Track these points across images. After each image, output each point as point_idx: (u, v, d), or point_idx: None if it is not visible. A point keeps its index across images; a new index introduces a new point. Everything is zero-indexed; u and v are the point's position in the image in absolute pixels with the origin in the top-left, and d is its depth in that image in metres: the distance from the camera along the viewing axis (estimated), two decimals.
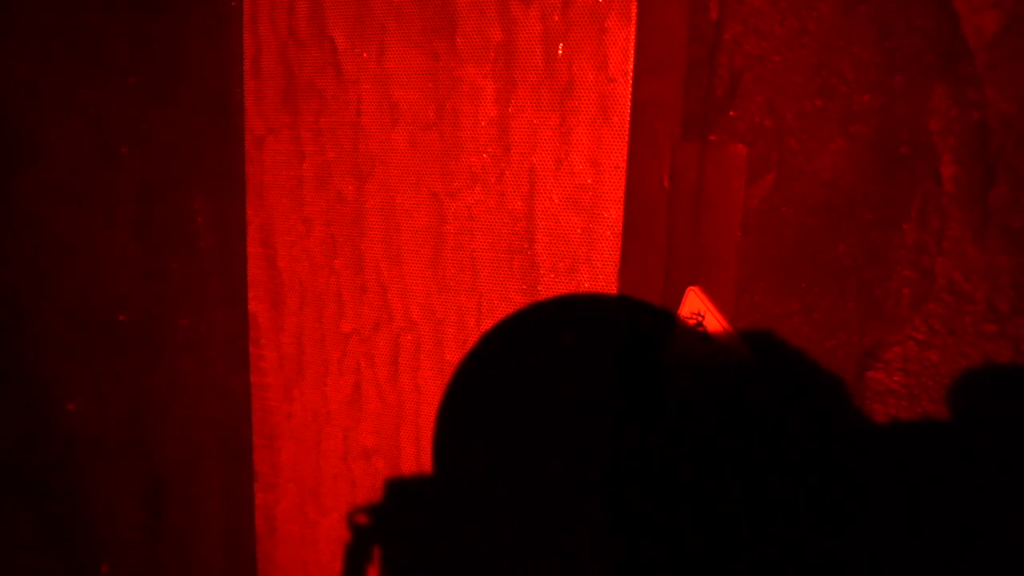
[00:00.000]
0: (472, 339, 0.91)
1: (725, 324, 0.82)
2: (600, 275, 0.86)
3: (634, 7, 0.81)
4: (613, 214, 0.85)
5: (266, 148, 0.94)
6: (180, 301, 1.02)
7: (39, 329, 1.07)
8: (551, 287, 0.87)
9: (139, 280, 1.03)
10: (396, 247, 0.91)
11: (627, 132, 0.83)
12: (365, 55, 0.89)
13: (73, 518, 1.12)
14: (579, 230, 0.86)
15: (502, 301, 0.89)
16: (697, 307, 0.82)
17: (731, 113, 0.81)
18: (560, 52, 0.84)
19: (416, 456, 0.95)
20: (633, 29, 0.82)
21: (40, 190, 1.04)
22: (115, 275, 1.04)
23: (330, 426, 0.99)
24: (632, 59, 0.83)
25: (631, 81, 0.83)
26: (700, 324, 0.82)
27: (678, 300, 0.85)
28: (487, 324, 0.90)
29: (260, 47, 0.92)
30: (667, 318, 0.85)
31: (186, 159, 0.98)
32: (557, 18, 0.83)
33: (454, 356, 0.92)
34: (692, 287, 0.82)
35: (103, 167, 1.02)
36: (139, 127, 0.99)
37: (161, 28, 0.96)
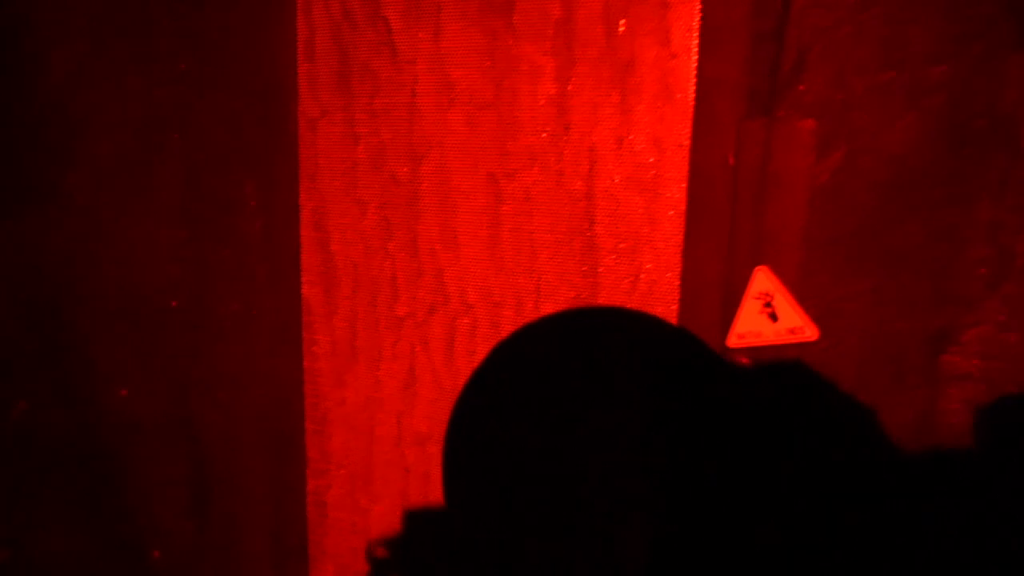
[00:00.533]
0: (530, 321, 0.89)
1: (795, 304, 0.80)
2: (662, 255, 0.84)
3: None
4: (676, 193, 0.83)
5: (319, 131, 0.93)
6: (230, 286, 1.02)
7: (89, 316, 1.07)
8: (612, 268, 0.86)
9: (189, 266, 1.03)
10: (452, 229, 0.90)
11: (691, 109, 0.82)
12: (421, 35, 0.88)
13: (121, 503, 1.12)
14: (641, 210, 0.84)
15: (561, 283, 0.88)
16: (766, 287, 0.80)
17: (800, 88, 0.79)
18: (621, 28, 0.83)
19: None
20: (697, 3, 0.80)
21: (88, 179, 1.04)
22: (164, 261, 1.04)
23: (383, 412, 0.98)
24: (696, 34, 0.81)
25: (695, 57, 0.81)
26: (768, 304, 0.80)
27: (743, 280, 0.83)
28: (546, 306, 0.89)
29: (313, 29, 0.91)
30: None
31: (237, 144, 0.97)
32: None
33: None
34: (761, 266, 0.80)
35: (151, 154, 1.01)
36: (189, 113, 0.99)
37: (212, 12, 0.96)
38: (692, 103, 0.82)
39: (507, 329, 0.90)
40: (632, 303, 0.86)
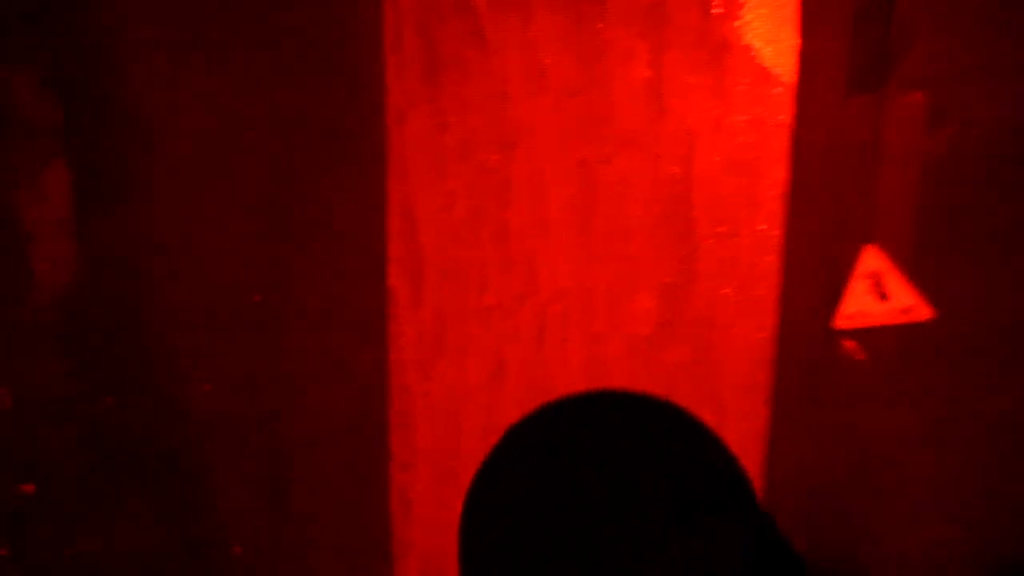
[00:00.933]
0: (624, 309, 0.88)
1: (906, 283, 0.78)
2: (763, 238, 0.82)
3: None
4: (778, 174, 0.81)
5: (407, 122, 0.93)
6: (314, 279, 1.02)
7: (173, 312, 1.08)
8: (710, 252, 0.84)
9: (272, 260, 1.03)
10: (543, 217, 0.89)
11: (792, 88, 0.80)
12: (510, 22, 0.87)
13: (204, 498, 1.13)
14: (741, 192, 0.83)
15: (656, 269, 0.86)
16: (874, 266, 0.78)
17: (908, 61, 0.77)
18: (717, 10, 0.82)
19: None
20: None
21: (172, 178, 1.05)
22: (247, 257, 1.04)
23: (471, 404, 0.97)
24: (796, 11, 0.79)
25: (795, 34, 0.80)
26: (878, 284, 0.78)
27: (848, 261, 0.81)
28: (640, 294, 0.87)
29: (401, 21, 0.91)
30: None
31: (323, 137, 0.98)
32: None
33: (604, 327, 0.89)
34: (869, 245, 0.78)
35: (235, 151, 1.02)
36: (274, 108, 1.00)
37: (298, 7, 0.97)
38: (794, 81, 0.80)
39: (600, 317, 0.89)
40: (730, 287, 0.84)
